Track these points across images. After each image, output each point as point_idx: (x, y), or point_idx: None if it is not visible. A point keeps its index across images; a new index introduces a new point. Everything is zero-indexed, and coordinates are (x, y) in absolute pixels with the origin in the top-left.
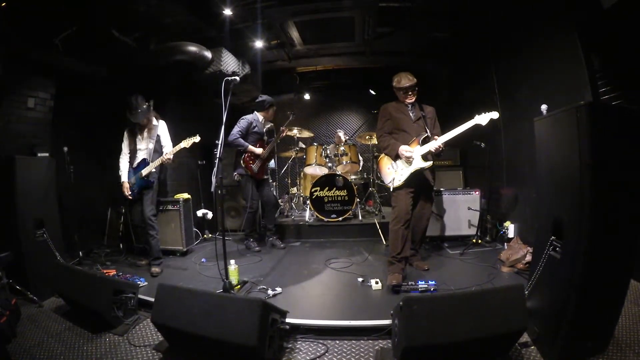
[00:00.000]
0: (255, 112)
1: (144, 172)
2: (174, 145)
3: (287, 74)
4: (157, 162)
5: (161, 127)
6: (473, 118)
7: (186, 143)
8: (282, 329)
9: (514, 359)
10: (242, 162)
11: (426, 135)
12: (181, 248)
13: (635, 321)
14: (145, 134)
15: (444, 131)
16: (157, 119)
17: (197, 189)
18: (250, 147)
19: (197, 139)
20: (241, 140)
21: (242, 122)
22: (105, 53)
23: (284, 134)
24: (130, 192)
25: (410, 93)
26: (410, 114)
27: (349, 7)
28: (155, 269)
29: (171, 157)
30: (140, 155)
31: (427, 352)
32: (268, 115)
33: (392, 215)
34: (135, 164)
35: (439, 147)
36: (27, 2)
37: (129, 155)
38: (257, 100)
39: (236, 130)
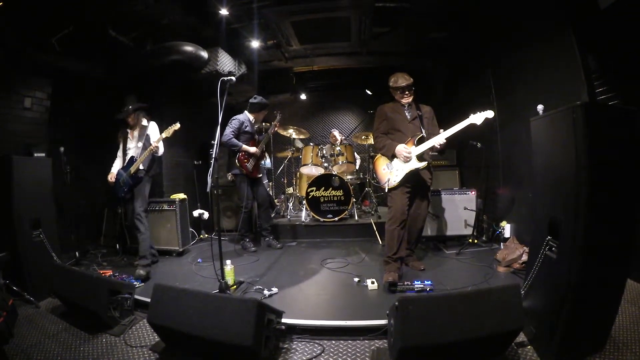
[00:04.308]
0: (246, 112)
1: (132, 169)
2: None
3: (284, 74)
4: (144, 155)
5: (151, 127)
6: (468, 117)
7: (167, 133)
8: (278, 329)
9: (510, 359)
10: (237, 161)
11: (421, 135)
12: (177, 248)
13: (632, 320)
14: (135, 133)
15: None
16: (147, 120)
17: (193, 189)
18: (245, 147)
19: (176, 126)
20: (235, 141)
21: (234, 123)
22: (102, 53)
23: (276, 129)
24: (120, 190)
25: (406, 93)
26: (407, 114)
27: (345, 7)
28: (140, 272)
29: (158, 145)
30: (130, 154)
31: (423, 353)
32: (259, 117)
33: (388, 216)
34: (125, 163)
35: (441, 143)
36: (24, 2)
37: (121, 156)
38: (252, 101)
39: (229, 130)
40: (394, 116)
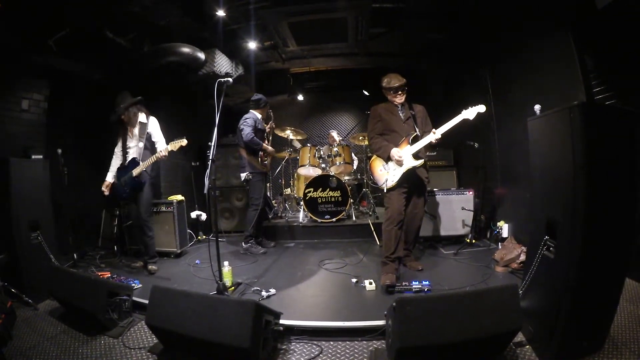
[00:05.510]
0: (252, 110)
1: (135, 172)
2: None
3: (281, 75)
4: (149, 161)
5: (152, 125)
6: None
7: (173, 146)
8: (276, 330)
9: (509, 359)
10: (259, 159)
11: (415, 134)
12: (175, 250)
13: (630, 319)
14: (135, 131)
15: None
16: (147, 116)
17: (190, 190)
18: (264, 145)
19: (183, 142)
20: (257, 139)
21: (250, 121)
22: (99, 54)
23: (273, 127)
24: (121, 190)
25: (399, 93)
26: (400, 114)
27: (342, 8)
28: (152, 267)
29: (166, 154)
30: (131, 154)
31: (420, 353)
32: (264, 113)
33: (385, 216)
34: (125, 163)
35: (436, 139)
36: (21, 3)
37: (120, 154)
38: (253, 98)
39: (249, 130)
40: (388, 117)
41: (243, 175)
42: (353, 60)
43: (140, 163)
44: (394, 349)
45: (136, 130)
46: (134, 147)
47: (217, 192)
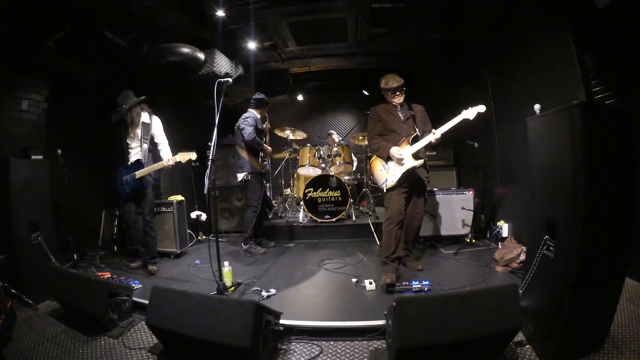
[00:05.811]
0: (251, 110)
1: (138, 174)
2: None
3: (281, 75)
4: (155, 167)
5: (155, 125)
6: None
7: (181, 157)
8: (276, 330)
9: (509, 359)
10: (259, 160)
11: (415, 134)
12: (175, 250)
13: (631, 319)
14: (137, 132)
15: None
16: (150, 115)
17: (190, 190)
18: (264, 145)
19: (193, 155)
20: (258, 139)
21: (250, 120)
22: (98, 55)
23: (269, 127)
24: (122, 189)
25: (397, 93)
26: (400, 115)
27: (341, 8)
28: (152, 267)
29: (173, 163)
30: (134, 155)
31: (420, 353)
32: (263, 113)
33: (385, 216)
34: (129, 163)
35: (436, 139)
36: (21, 3)
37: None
38: (256, 97)
39: (251, 129)
40: (387, 117)
41: (241, 176)
42: (353, 60)
43: (145, 166)
44: (394, 348)
45: (138, 131)
46: (137, 148)
47: (217, 192)
